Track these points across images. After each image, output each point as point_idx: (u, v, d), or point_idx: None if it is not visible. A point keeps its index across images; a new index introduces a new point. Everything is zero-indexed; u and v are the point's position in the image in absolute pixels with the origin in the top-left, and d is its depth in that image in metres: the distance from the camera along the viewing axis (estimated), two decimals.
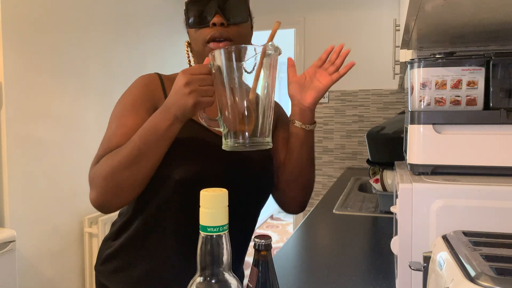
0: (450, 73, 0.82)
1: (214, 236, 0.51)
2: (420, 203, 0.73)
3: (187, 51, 0.97)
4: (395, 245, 0.76)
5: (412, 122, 0.84)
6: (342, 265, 1.18)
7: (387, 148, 1.71)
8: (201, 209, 0.51)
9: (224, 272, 0.52)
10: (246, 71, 0.74)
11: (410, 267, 0.62)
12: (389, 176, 1.75)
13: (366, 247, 1.39)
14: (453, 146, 0.81)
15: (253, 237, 0.60)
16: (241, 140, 0.73)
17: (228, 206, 0.52)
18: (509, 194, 0.69)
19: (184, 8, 0.92)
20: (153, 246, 0.90)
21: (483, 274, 0.41)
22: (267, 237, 0.60)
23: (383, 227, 1.59)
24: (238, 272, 1.02)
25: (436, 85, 0.83)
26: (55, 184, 2.34)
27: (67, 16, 2.40)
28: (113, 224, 0.98)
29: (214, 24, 0.88)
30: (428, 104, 0.84)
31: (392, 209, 0.81)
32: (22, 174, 2.14)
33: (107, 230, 0.92)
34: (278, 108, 1.07)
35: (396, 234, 0.80)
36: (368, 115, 3.51)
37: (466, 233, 0.56)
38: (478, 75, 0.81)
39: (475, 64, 0.81)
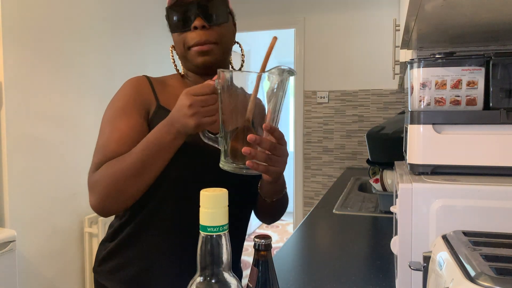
0: (450, 73, 0.82)
1: (214, 236, 0.51)
2: (420, 203, 0.73)
3: (173, 56, 0.98)
4: (395, 245, 0.76)
5: (412, 122, 0.84)
6: (342, 265, 1.18)
7: (387, 148, 1.71)
8: (201, 209, 0.51)
9: (224, 272, 0.52)
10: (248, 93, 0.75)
11: (410, 267, 0.62)
12: (389, 176, 1.75)
13: (366, 247, 1.39)
14: (453, 146, 0.81)
15: (253, 237, 0.60)
16: (239, 163, 0.74)
17: None
18: (509, 194, 0.69)
19: (165, 13, 0.93)
20: (148, 246, 0.91)
21: (483, 274, 0.41)
22: (267, 237, 0.60)
23: (383, 227, 1.59)
24: (236, 270, 1.02)
25: (436, 85, 0.83)
26: (55, 184, 2.34)
27: (67, 16, 2.40)
28: (110, 226, 0.99)
29: (195, 28, 0.88)
30: (428, 104, 0.84)
31: (392, 209, 0.81)
32: (22, 174, 2.14)
33: (107, 230, 0.94)
34: None
35: (396, 234, 0.80)
36: (368, 115, 3.51)
37: (466, 233, 0.56)
38: (478, 75, 0.81)
39: (475, 64, 0.81)
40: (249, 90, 0.74)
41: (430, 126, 0.82)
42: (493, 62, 0.81)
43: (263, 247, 0.60)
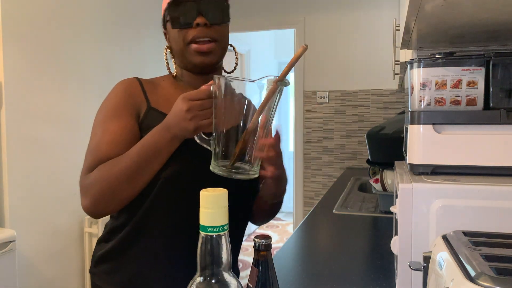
0: (450, 73, 0.82)
1: (214, 236, 0.51)
2: (420, 203, 0.73)
3: (166, 57, 0.98)
4: (395, 245, 0.76)
5: (412, 122, 0.84)
6: (342, 265, 1.18)
7: (387, 148, 1.71)
8: (201, 209, 0.51)
9: (224, 272, 0.52)
10: (249, 100, 0.77)
11: (410, 267, 0.62)
12: (389, 176, 1.75)
13: (366, 247, 1.39)
14: (453, 146, 0.81)
15: (253, 237, 0.60)
16: (229, 165, 0.77)
17: None
18: (509, 194, 0.69)
19: (165, 8, 0.93)
20: (142, 248, 0.91)
21: (483, 274, 0.41)
22: (267, 237, 0.60)
23: (383, 227, 1.59)
24: (233, 270, 1.02)
25: (436, 85, 0.83)
26: (55, 184, 2.34)
27: (67, 16, 2.40)
28: (105, 226, 0.99)
29: (197, 25, 0.89)
30: (428, 104, 0.84)
31: (392, 209, 0.81)
32: (22, 174, 2.14)
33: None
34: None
35: (396, 234, 0.80)
36: (368, 115, 3.51)
37: (466, 233, 0.56)
38: (478, 75, 0.81)
39: (475, 64, 0.81)
40: (253, 97, 0.77)
41: (430, 126, 0.82)
42: (493, 62, 0.81)
43: (263, 247, 0.60)
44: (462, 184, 0.73)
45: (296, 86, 3.70)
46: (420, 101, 0.84)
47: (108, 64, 2.72)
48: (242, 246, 1.08)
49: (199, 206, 0.51)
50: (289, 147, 5.76)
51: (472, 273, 0.42)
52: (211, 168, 0.78)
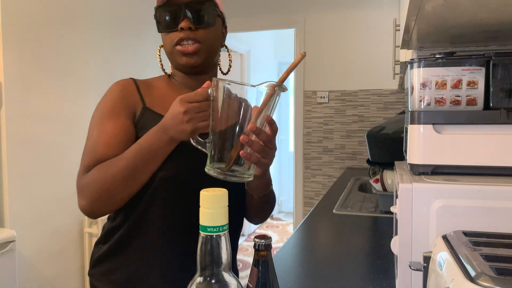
0: (450, 73, 0.82)
1: (214, 236, 0.51)
2: (420, 203, 0.73)
3: (159, 56, 0.99)
4: (395, 245, 0.76)
5: (412, 122, 0.84)
6: (342, 265, 1.18)
7: (387, 148, 1.71)
8: (201, 209, 0.51)
9: (224, 272, 0.52)
10: (247, 104, 0.77)
11: (410, 267, 0.62)
12: (389, 176, 1.75)
13: (366, 247, 1.39)
14: (453, 146, 0.81)
15: (253, 237, 0.60)
16: (224, 167, 0.76)
17: None
18: (509, 194, 0.69)
19: (154, 12, 0.94)
20: (139, 248, 0.91)
21: (483, 274, 0.41)
22: (267, 237, 0.60)
23: (383, 227, 1.59)
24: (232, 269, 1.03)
25: (436, 85, 0.83)
26: (55, 184, 2.34)
27: (67, 17, 2.40)
28: (103, 227, 0.99)
29: (182, 29, 0.90)
30: (428, 104, 0.84)
31: (392, 209, 0.81)
32: (22, 174, 2.14)
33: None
34: None
35: (396, 234, 0.80)
36: (368, 115, 3.51)
37: (466, 233, 0.56)
38: (478, 75, 0.81)
39: (475, 64, 0.81)
40: (250, 100, 0.77)
41: (430, 126, 0.82)
42: (493, 62, 0.81)
43: (263, 247, 0.60)
44: (462, 184, 0.73)
45: (296, 86, 3.70)
46: (420, 101, 0.84)
47: (108, 64, 2.72)
48: (242, 246, 1.08)
49: (195, 206, 0.51)
50: (289, 147, 5.76)
51: (472, 273, 0.42)
52: (206, 170, 0.78)
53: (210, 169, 0.78)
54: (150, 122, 0.88)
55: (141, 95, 0.95)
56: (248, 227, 4.79)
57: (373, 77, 3.46)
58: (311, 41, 3.63)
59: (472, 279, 0.41)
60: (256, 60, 5.04)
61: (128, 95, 0.94)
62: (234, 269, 1.05)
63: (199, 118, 0.78)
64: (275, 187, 1.29)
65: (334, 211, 1.84)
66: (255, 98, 0.76)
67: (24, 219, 2.16)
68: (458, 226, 0.64)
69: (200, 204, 0.51)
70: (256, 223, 1.09)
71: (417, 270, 0.61)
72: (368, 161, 1.89)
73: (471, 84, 0.82)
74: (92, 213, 0.86)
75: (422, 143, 0.82)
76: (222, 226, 0.51)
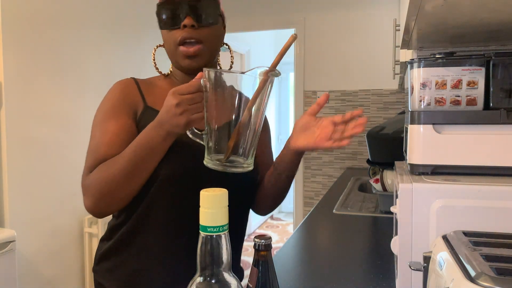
0: (450, 73, 0.82)
1: (214, 236, 0.51)
2: (420, 203, 0.73)
3: (154, 57, 0.99)
4: (395, 245, 0.76)
5: (412, 122, 0.84)
6: (342, 265, 1.18)
7: (387, 148, 1.71)
8: (201, 209, 0.51)
9: (224, 272, 0.52)
10: (241, 92, 0.76)
11: (410, 267, 0.62)
12: (389, 176, 1.75)
13: (366, 247, 1.39)
14: (453, 146, 0.81)
15: (253, 237, 0.60)
16: (222, 158, 0.76)
17: None
18: (509, 194, 0.69)
19: (156, 9, 0.94)
20: (142, 245, 0.92)
21: (483, 274, 0.41)
22: (267, 237, 0.60)
23: (383, 227, 1.59)
24: (236, 270, 1.03)
25: (436, 85, 0.83)
26: (55, 184, 2.34)
27: (67, 17, 2.40)
28: (108, 224, 1.00)
29: (184, 26, 0.89)
30: (428, 104, 0.84)
31: (392, 209, 0.81)
32: (22, 174, 2.14)
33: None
34: (264, 129, 1.08)
35: (396, 234, 0.80)
36: (368, 115, 3.51)
37: (466, 233, 0.56)
38: (478, 75, 0.81)
39: (475, 64, 0.81)
40: (245, 90, 0.76)
41: (430, 126, 0.82)
42: (493, 62, 0.81)
43: (263, 247, 0.60)
44: (462, 184, 0.73)
45: (296, 86, 3.70)
46: (420, 101, 0.84)
47: (108, 64, 2.72)
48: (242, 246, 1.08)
49: (198, 204, 0.51)
50: None
51: (472, 273, 0.42)
52: (204, 162, 0.78)
53: (208, 162, 0.77)
54: (151, 121, 0.88)
55: (142, 94, 0.95)
56: (248, 227, 4.78)
57: (373, 77, 3.46)
58: (311, 41, 3.63)
59: (472, 279, 0.41)
60: (256, 60, 5.04)
61: (129, 94, 0.94)
62: (238, 269, 1.05)
63: (192, 110, 0.77)
64: None
65: (334, 211, 1.84)
66: (249, 86, 0.75)
67: (24, 219, 2.16)
68: (458, 226, 0.64)
69: (200, 204, 0.51)
70: (265, 212, 1.09)
71: (417, 270, 0.61)
72: (368, 161, 1.89)
73: (471, 84, 0.82)
74: (97, 212, 0.87)
75: (422, 143, 0.82)
76: (222, 226, 0.51)
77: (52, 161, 2.32)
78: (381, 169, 1.79)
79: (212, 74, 0.75)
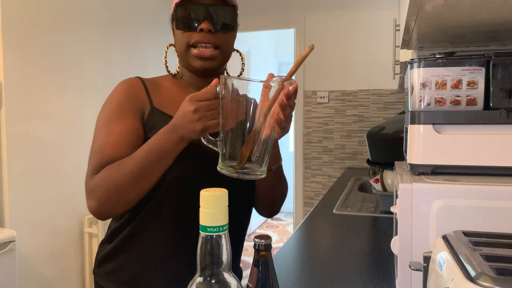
0: (450, 73, 0.82)
1: (214, 236, 0.51)
2: (420, 203, 0.73)
3: (166, 55, 0.98)
4: (395, 245, 0.76)
5: (412, 122, 0.84)
6: (342, 265, 1.18)
7: (387, 148, 1.71)
8: (201, 209, 0.51)
9: (224, 272, 0.52)
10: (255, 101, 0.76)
11: (410, 267, 0.62)
12: (389, 176, 1.75)
13: (366, 247, 1.39)
14: (453, 146, 0.81)
15: (253, 237, 0.60)
16: (236, 165, 0.76)
17: None
18: (509, 194, 0.69)
19: (173, 7, 0.93)
20: (145, 248, 0.91)
21: (483, 274, 0.41)
22: (267, 237, 0.60)
23: (383, 227, 1.59)
24: (235, 270, 1.02)
25: (436, 85, 0.83)
26: (55, 184, 2.34)
27: (67, 16, 2.40)
28: (109, 227, 0.99)
29: (201, 30, 0.88)
30: (428, 104, 0.84)
31: (392, 209, 0.81)
32: (22, 174, 2.14)
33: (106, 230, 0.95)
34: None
35: (396, 234, 0.80)
36: (368, 115, 3.51)
37: (466, 233, 0.56)
38: (478, 75, 0.81)
39: (475, 64, 0.81)
40: (253, 96, 0.77)
41: (430, 126, 0.82)
42: (493, 62, 0.81)
43: (263, 247, 0.60)
44: (462, 184, 0.73)
45: None
46: (420, 101, 0.84)
47: (108, 64, 2.72)
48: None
49: None
50: (289, 147, 5.76)
51: (472, 273, 0.42)
52: (218, 169, 0.77)
53: (222, 168, 0.77)
54: (159, 123, 0.88)
55: (149, 95, 0.94)
56: (248, 227, 4.79)
57: (373, 77, 3.46)
58: (311, 41, 3.62)
59: (472, 279, 0.41)
60: (256, 60, 5.04)
61: (136, 94, 0.93)
62: (237, 270, 1.05)
63: (208, 117, 0.77)
64: None
65: (334, 211, 1.84)
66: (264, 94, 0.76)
67: (24, 219, 2.16)
68: (458, 226, 0.64)
69: (200, 204, 0.51)
70: (268, 214, 1.07)
71: (417, 270, 0.61)
72: (368, 161, 1.89)
73: (471, 84, 0.82)
74: (101, 214, 0.86)
75: (422, 143, 0.82)
76: (222, 226, 0.51)
77: (52, 161, 2.32)
78: (381, 169, 1.79)
79: (230, 82, 0.75)
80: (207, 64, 0.91)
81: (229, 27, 0.92)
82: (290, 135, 4.64)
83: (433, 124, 0.82)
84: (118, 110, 0.90)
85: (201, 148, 0.81)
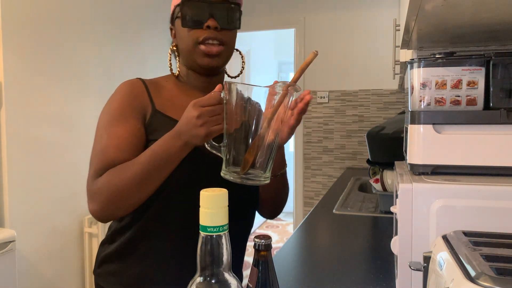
0: (450, 73, 0.82)
1: (214, 236, 0.51)
2: (420, 203, 0.73)
3: (170, 56, 0.98)
4: (395, 245, 0.76)
5: (412, 122, 0.84)
6: (342, 265, 1.18)
7: (387, 148, 1.71)
8: (201, 209, 0.51)
9: (224, 272, 0.52)
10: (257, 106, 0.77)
11: (410, 267, 0.62)
12: (389, 176, 1.75)
13: (366, 247, 1.39)
14: (453, 146, 0.81)
15: (253, 237, 0.60)
16: (240, 170, 0.76)
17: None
18: (509, 194, 0.69)
19: (176, 4, 0.93)
20: (148, 250, 0.91)
21: (483, 274, 0.41)
22: (267, 237, 0.60)
23: (383, 227, 1.59)
24: (237, 274, 1.02)
25: (436, 85, 0.83)
26: (55, 184, 2.34)
27: (67, 16, 2.40)
28: (109, 227, 0.99)
29: (208, 27, 0.89)
30: (428, 104, 0.84)
31: (392, 209, 0.81)
32: (22, 174, 2.14)
33: (107, 230, 0.94)
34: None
35: (396, 234, 0.80)
36: (368, 115, 3.51)
37: (466, 233, 0.56)
38: (478, 75, 0.81)
39: (475, 64, 0.81)
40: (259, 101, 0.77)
41: (430, 126, 0.82)
42: (493, 62, 0.81)
43: (263, 247, 0.60)
44: (462, 184, 0.73)
45: None
46: (420, 101, 0.84)
47: (108, 64, 2.72)
48: None
49: None
50: (289, 147, 5.76)
51: (472, 273, 0.42)
52: (222, 174, 0.77)
53: (226, 173, 0.77)
54: (160, 126, 0.88)
55: (151, 97, 0.94)
56: None
57: (373, 77, 3.46)
58: (311, 41, 3.63)
59: (472, 279, 0.41)
60: (256, 60, 5.04)
61: (137, 96, 0.92)
62: (239, 274, 1.05)
63: (213, 122, 0.77)
64: None
65: (334, 211, 1.84)
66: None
67: (24, 219, 2.16)
68: (458, 226, 0.64)
69: (200, 204, 0.51)
70: (269, 216, 1.08)
71: (417, 270, 0.61)
72: (368, 161, 1.89)
73: (471, 84, 0.82)
74: (103, 217, 0.85)
75: (422, 143, 0.82)
76: (222, 226, 0.51)
77: (52, 161, 2.32)
78: (381, 169, 1.79)
79: (233, 87, 0.75)
80: (214, 62, 0.91)
81: (234, 24, 0.92)
82: None
83: (433, 124, 0.82)
84: (120, 112, 0.89)
85: (205, 153, 0.81)
